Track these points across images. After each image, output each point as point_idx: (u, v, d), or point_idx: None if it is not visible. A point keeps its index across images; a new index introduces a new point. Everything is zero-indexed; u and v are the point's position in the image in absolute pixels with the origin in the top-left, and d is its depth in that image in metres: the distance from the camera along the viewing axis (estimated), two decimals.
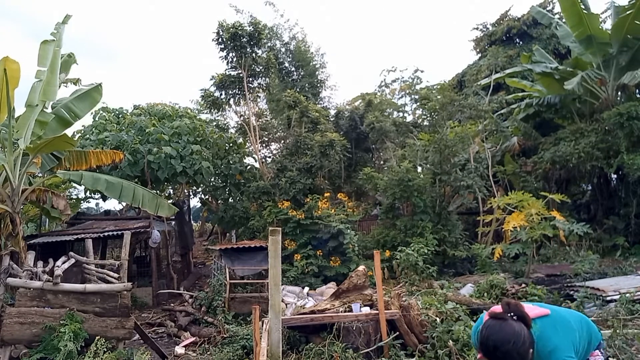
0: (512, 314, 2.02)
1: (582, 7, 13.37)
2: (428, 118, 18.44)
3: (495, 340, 1.96)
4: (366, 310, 6.24)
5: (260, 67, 15.90)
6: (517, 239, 10.19)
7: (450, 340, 5.49)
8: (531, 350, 2.01)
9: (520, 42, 21.20)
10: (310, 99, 17.56)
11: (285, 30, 19.89)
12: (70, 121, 9.28)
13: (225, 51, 15.42)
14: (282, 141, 19.49)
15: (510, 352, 1.93)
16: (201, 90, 16.94)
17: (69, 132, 9.77)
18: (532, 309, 2.21)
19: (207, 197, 18.49)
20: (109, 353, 5.60)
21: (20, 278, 6.36)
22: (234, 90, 16.10)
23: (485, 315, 2.16)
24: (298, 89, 17.67)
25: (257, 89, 16.97)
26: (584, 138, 13.28)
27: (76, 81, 10.86)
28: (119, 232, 10.15)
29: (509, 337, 1.94)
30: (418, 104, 19.86)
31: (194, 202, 22.32)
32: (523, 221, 9.27)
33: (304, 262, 11.59)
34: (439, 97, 16.38)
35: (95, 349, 5.40)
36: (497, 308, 2.09)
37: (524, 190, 11.40)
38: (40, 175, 10.15)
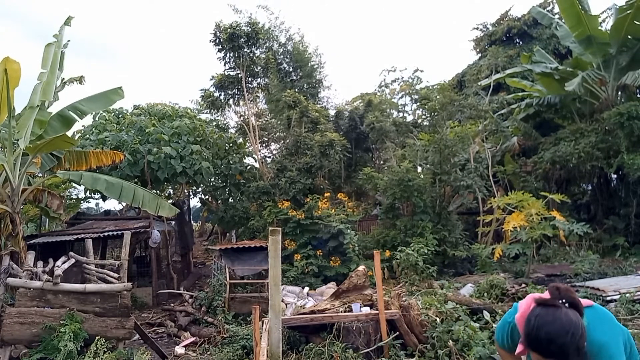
0: (563, 300, 1.71)
1: (581, 7, 13.39)
2: (428, 118, 18.45)
3: (550, 331, 1.64)
4: (366, 310, 6.24)
5: (259, 68, 15.91)
6: (517, 239, 10.18)
7: (450, 340, 5.50)
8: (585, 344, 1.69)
9: (521, 42, 21.20)
10: (309, 99, 17.57)
11: (282, 31, 19.93)
12: (74, 119, 9.26)
13: (222, 52, 15.44)
14: (282, 141, 19.51)
15: (568, 345, 1.62)
16: (201, 90, 16.99)
17: (69, 132, 9.76)
18: None
19: (207, 197, 18.50)
20: (109, 353, 5.60)
21: (20, 278, 6.36)
22: (233, 91, 16.13)
23: (524, 304, 1.87)
24: (297, 90, 17.69)
25: (256, 89, 16.98)
26: (584, 138, 13.27)
27: (79, 79, 10.83)
28: (119, 232, 10.15)
29: (566, 327, 1.63)
30: (418, 104, 19.89)
31: (194, 202, 22.35)
32: (523, 221, 9.27)
33: (304, 262, 11.59)
34: (438, 97, 16.38)
35: (95, 349, 5.40)
36: (544, 295, 1.80)
37: (524, 190, 11.39)
38: (40, 175, 10.15)
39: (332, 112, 19.36)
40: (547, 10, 18.51)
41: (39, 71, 8.99)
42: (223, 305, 9.22)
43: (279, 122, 19.19)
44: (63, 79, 10.31)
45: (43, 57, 9.10)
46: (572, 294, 1.74)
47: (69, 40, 9.96)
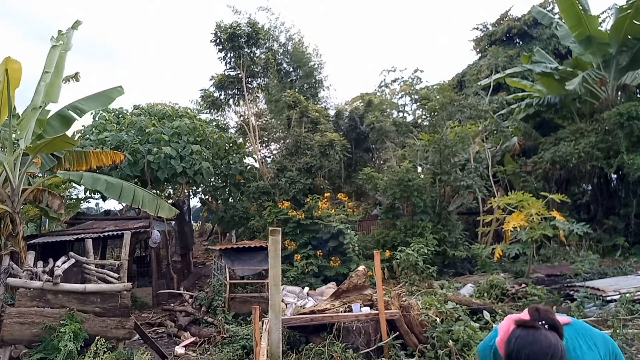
0: (543, 322, 1.73)
1: (581, 7, 13.39)
2: (428, 118, 18.47)
3: (530, 353, 1.66)
4: (366, 310, 6.24)
5: (259, 68, 15.91)
6: (517, 239, 10.19)
7: (450, 340, 5.50)
8: None
9: (521, 42, 21.21)
10: (309, 99, 17.58)
11: (282, 32, 19.94)
12: (73, 118, 9.27)
13: (223, 52, 15.45)
14: (282, 141, 19.52)
15: None
16: (201, 90, 16.99)
17: (69, 132, 9.77)
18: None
19: (207, 197, 18.51)
20: (109, 353, 5.61)
21: (20, 278, 6.36)
22: (234, 91, 16.13)
23: (504, 326, 1.88)
24: (296, 90, 17.69)
25: (256, 89, 16.98)
26: (584, 138, 13.28)
27: (75, 75, 10.80)
28: (119, 232, 10.15)
29: (546, 349, 1.65)
30: (418, 104, 19.90)
31: (194, 202, 22.36)
32: (523, 221, 9.27)
33: (304, 262, 11.59)
34: (438, 97, 16.39)
35: (95, 349, 5.40)
36: (523, 315, 1.81)
37: (524, 190, 11.39)
38: (40, 175, 10.15)
39: (332, 112, 19.37)
40: (547, 10, 18.52)
41: (40, 71, 9.00)
42: (223, 305, 9.22)
43: (279, 122, 19.19)
44: None
45: (47, 59, 9.11)
46: (552, 315, 1.75)
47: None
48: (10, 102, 7.67)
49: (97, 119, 13.42)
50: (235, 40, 14.99)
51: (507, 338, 1.76)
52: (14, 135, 7.85)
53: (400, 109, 21.20)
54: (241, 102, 17.40)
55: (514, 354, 1.69)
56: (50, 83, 8.80)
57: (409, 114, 20.94)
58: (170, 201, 13.61)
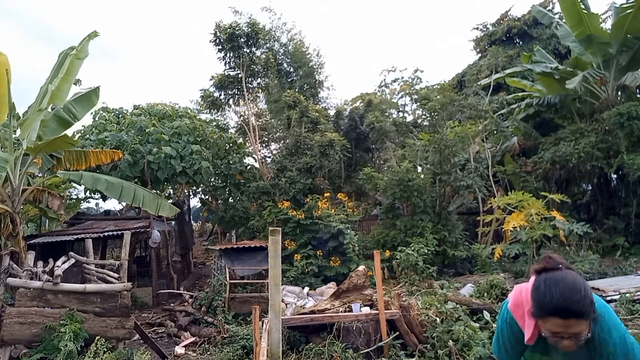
0: (560, 265, 1.73)
1: (582, 6, 13.36)
2: (428, 118, 18.46)
3: (564, 289, 1.63)
4: (366, 310, 6.24)
5: (259, 67, 15.91)
6: (517, 239, 10.18)
7: (450, 340, 5.50)
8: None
9: (521, 42, 21.20)
10: (309, 99, 17.59)
11: (283, 32, 19.95)
12: (70, 122, 9.32)
13: (223, 52, 15.46)
14: (282, 141, 19.52)
15: (584, 300, 1.61)
16: (201, 90, 17.00)
17: (68, 132, 9.79)
18: None
19: (207, 197, 18.51)
20: (109, 353, 5.61)
21: (20, 278, 6.36)
22: (234, 91, 16.13)
23: (515, 292, 1.87)
24: (296, 90, 17.70)
25: (256, 89, 16.98)
26: (584, 138, 13.26)
27: (76, 82, 10.87)
28: (119, 232, 10.14)
29: (578, 284, 1.64)
30: (418, 104, 19.90)
31: (194, 202, 22.35)
32: (523, 221, 9.26)
33: (304, 262, 11.59)
34: (438, 97, 16.39)
35: (95, 349, 5.40)
36: (537, 266, 1.81)
37: (524, 190, 11.38)
38: (39, 175, 10.16)
39: (332, 112, 19.36)
40: (547, 10, 18.50)
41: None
42: (223, 305, 9.22)
43: (279, 122, 19.19)
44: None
45: (57, 62, 9.14)
46: (563, 260, 1.78)
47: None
48: (10, 102, 7.67)
49: (97, 119, 13.41)
50: (235, 41, 14.99)
51: (534, 286, 1.76)
52: (14, 135, 7.85)
53: (400, 109, 21.21)
54: (241, 102, 17.40)
55: (548, 295, 1.66)
56: (58, 87, 8.81)
57: (409, 114, 20.95)
58: (170, 201, 13.61)
